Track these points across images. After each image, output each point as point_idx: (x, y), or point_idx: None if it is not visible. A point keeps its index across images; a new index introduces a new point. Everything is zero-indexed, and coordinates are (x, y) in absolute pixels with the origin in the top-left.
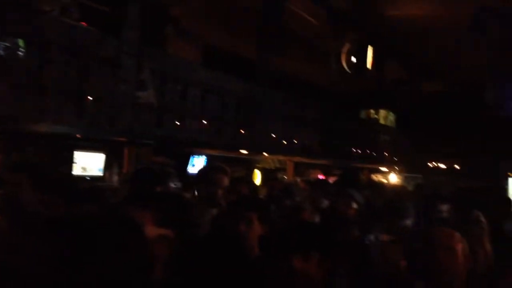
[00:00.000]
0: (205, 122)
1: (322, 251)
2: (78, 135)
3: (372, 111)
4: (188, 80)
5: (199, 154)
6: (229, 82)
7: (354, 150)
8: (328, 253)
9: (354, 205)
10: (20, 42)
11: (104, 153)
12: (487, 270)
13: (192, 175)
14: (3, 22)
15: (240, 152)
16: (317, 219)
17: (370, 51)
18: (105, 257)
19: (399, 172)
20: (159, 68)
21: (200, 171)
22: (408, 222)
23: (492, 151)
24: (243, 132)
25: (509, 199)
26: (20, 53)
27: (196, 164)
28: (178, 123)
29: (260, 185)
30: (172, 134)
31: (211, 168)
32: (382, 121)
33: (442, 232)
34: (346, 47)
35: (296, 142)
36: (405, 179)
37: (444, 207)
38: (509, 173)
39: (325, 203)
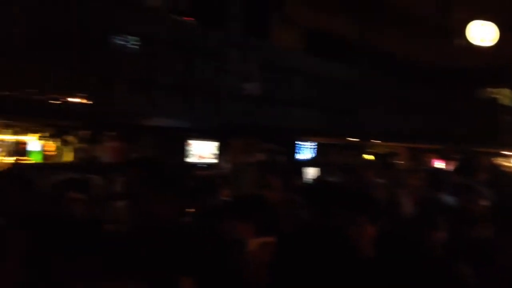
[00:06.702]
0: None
1: None
2: (187, 127)
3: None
4: (292, 69)
5: (306, 141)
6: (332, 68)
7: (471, 133)
8: None
9: (483, 202)
10: (133, 39)
11: (216, 141)
12: None
13: (300, 161)
14: (114, 20)
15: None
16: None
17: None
18: None
19: None
20: (264, 58)
21: None
22: None
23: None
24: (348, 118)
25: None
26: (132, 49)
27: (304, 151)
28: (283, 112)
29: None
30: (277, 123)
31: None
32: (506, 101)
33: None
34: (469, 20)
35: (405, 127)
36: None
37: None
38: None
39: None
